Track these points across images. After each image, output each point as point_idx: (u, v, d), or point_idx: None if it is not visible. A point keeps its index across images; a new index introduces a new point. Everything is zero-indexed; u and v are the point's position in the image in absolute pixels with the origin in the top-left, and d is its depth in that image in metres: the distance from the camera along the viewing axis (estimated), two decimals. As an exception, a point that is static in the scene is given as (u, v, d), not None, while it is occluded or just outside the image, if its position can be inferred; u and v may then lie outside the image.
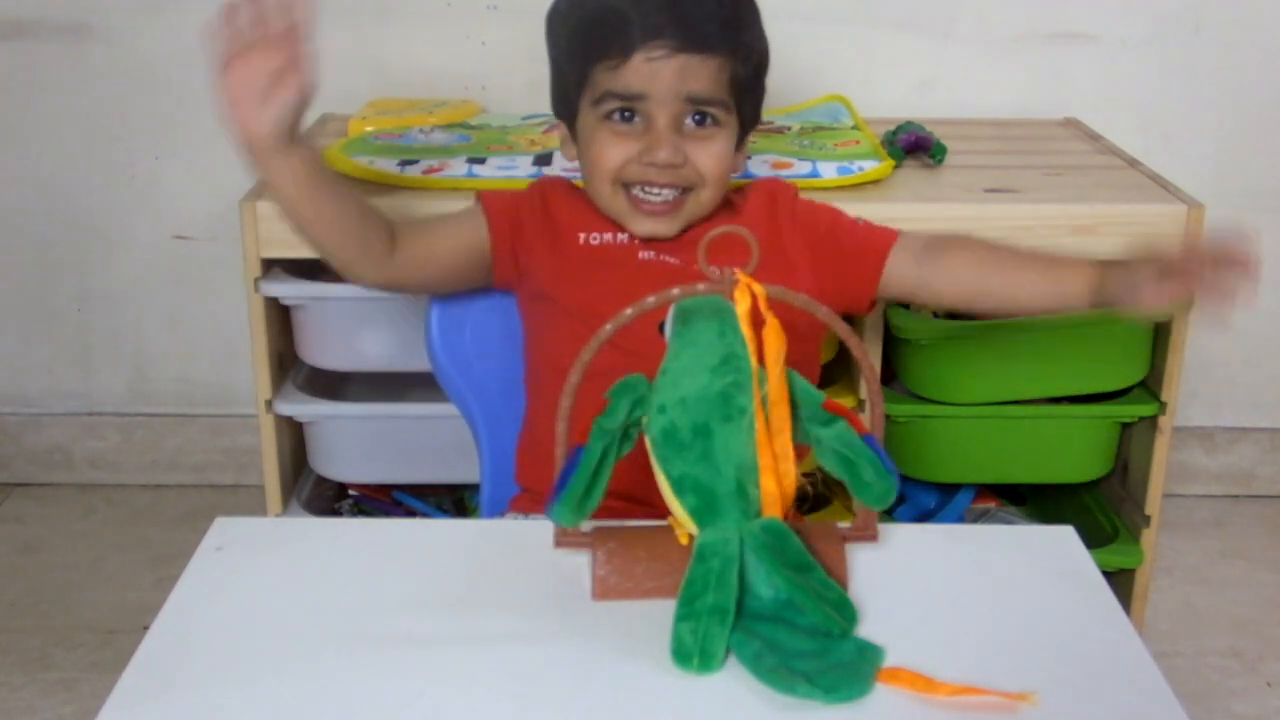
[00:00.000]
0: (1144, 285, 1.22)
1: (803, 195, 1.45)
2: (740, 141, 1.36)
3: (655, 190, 1.31)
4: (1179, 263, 1.20)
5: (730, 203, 1.40)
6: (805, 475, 1.15)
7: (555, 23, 1.37)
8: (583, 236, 1.36)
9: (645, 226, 1.33)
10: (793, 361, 0.95)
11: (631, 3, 1.27)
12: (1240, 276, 1.16)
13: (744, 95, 1.33)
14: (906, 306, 1.90)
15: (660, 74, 1.27)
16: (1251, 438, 2.50)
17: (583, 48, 1.31)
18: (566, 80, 1.34)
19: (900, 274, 1.38)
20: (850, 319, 1.86)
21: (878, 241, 1.39)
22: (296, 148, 1.23)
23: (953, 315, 1.93)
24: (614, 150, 1.30)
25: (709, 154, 1.30)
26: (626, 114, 1.29)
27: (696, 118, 1.30)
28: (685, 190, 1.31)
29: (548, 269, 1.35)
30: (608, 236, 1.36)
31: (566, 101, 1.35)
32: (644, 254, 1.35)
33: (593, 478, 0.93)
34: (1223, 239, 1.18)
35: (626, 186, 1.32)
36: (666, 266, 1.34)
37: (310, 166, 1.25)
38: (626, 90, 1.28)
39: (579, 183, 1.43)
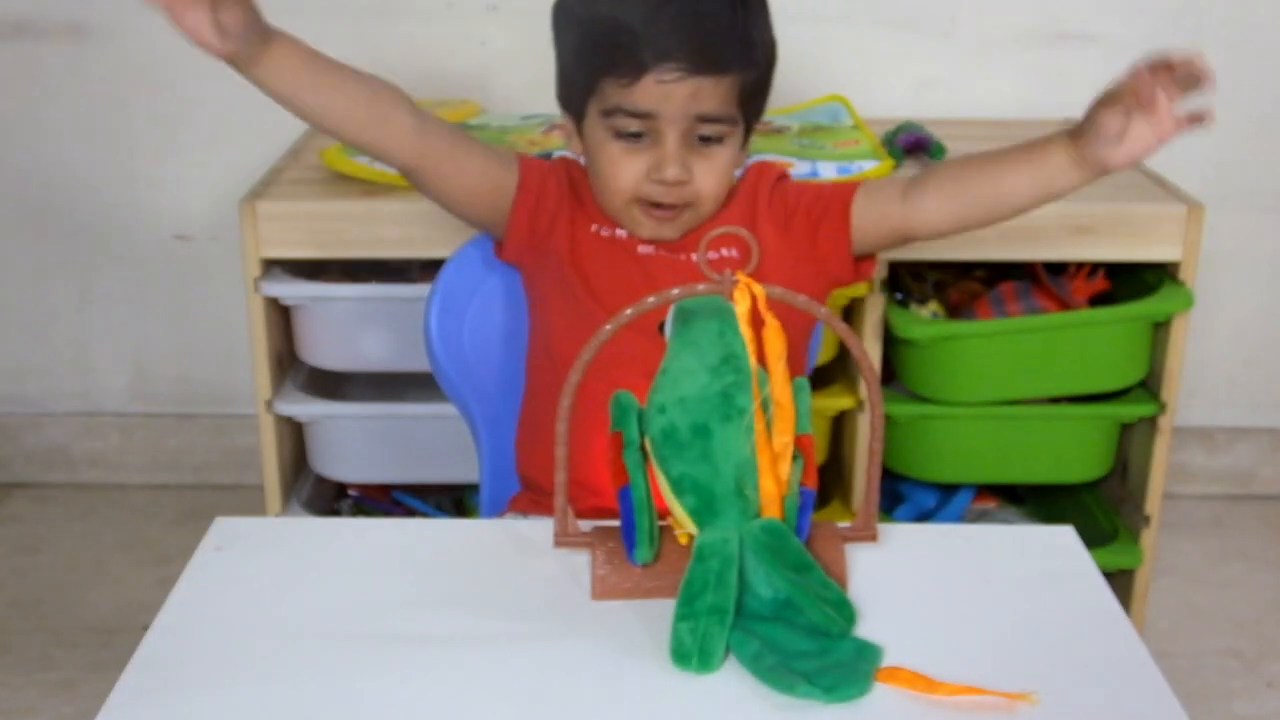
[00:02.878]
0: (1116, 132, 1.24)
1: (788, 177, 1.44)
2: (744, 141, 1.36)
3: (659, 208, 1.32)
4: (1131, 88, 1.22)
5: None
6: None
7: (564, 20, 1.36)
8: (593, 227, 1.37)
9: (649, 230, 1.34)
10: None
11: (643, 20, 1.26)
12: (1191, 83, 1.21)
13: (751, 101, 1.34)
14: (901, 289, 1.90)
15: (671, 96, 1.27)
16: (1251, 438, 2.50)
17: (592, 58, 1.30)
18: (574, 82, 1.34)
19: (881, 217, 1.36)
20: (850, 318, 1.87)
21: (840, 195, 1.38)
22: (271, 47, 1.22)
23: (953, 313, 1.93)
24: (624, 170, 1.31)
25: (712, 172, 1.31)
26: (635, 131, 1.30)
27: (703, 135, 1.30)
28: (686, 206, 1.32)
29: (567, 245, 1.36)
30: (609, 231, 1.36)
31: (573, 100, 1.35)
32: (643, 249, 1.35)
33: (649, 509, 0.95)
34: (1160, 54, 1.22)
35: (636, 201, 1.33)
36: (665, 260, 1.34)
37: (294, 60, 1.24)
38: (636, 109, 1.28)
39: None
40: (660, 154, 1.29)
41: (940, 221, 1.36)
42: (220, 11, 1.17)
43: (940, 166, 1.39)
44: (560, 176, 1.39)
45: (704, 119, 1.29)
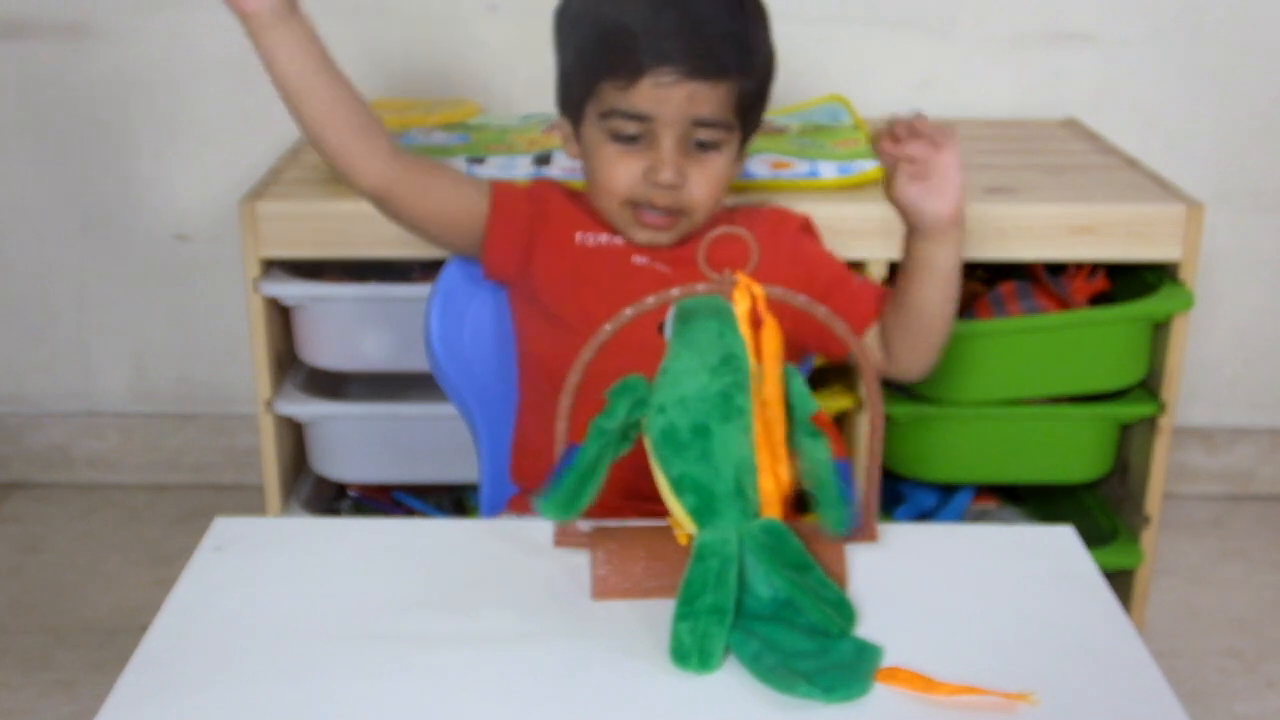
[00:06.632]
0: (916, 200, 1.26)
1: (812, 229, 1.45)
2: (741, 148, 1.37)
3: (655, 211, 1.32)
4: (891, 165, 1.26)
5: (734, 222, 1.40)
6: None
7: (565, 23, 1.37)
8: (579, 236, 1.37)
9: (645, 236, 1.35)
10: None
11: (643, 22, 1.27)
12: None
13: (749, 109, 1.34)
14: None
15: (668, 99, 1.27)
16: (1251, 438, 2.50)
17: (592, 61, 1.31)
18: (573, 85, 1.35)
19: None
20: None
21: (860, 313, 1.38)
22: (296, 20, 1.22)
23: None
24: (620, 172, 1.31)
25: (706, 178, 1.31)
26: (631, 135, 1.30)
27: (699, 141, 1.30)
28: (680, 212, 1.33)
29: (545, 270, 1.36)
30: (603, 238, 1.37)
31: (571, 103, 1.36)
32: (638, 259, 1.35)
33: (586, 476, 0.94)
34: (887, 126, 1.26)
35: (631, 203, 1.33)
36: (659, 274, 1.34)
37: (311, 43, 1.23)
38: (633, 111, 1.28)
39: (575, 184, 1.43)
40: (656, 157, 1.29)
41: (916, 369, 1.39)
42: None
43: (880, 329, 1.38)
44: (536, 202, 1.39)
45: (700, 123, 1.29)
